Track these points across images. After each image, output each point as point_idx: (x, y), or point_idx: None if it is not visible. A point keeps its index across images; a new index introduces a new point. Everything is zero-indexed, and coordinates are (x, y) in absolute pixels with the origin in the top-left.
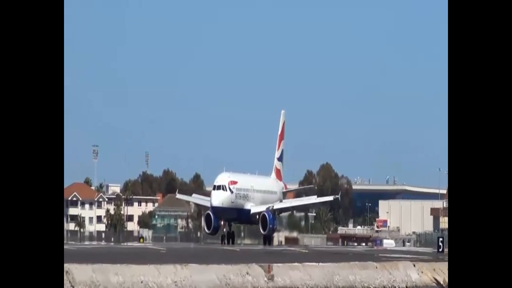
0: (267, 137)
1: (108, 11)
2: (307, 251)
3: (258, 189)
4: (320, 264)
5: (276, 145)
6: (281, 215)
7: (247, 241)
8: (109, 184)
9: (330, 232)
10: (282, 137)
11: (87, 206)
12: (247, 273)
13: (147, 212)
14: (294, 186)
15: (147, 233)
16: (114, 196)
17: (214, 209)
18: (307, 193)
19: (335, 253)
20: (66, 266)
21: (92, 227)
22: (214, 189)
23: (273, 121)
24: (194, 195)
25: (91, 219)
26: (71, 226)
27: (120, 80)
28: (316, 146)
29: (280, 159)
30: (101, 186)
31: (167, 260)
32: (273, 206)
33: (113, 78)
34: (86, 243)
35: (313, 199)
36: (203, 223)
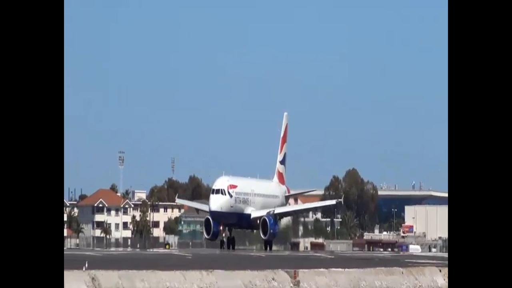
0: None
1: (109, 12)
2: (332, 256)
3: (259, 193)
4: (346, 269)
5: (279, 148)
6: (306, 220)
7: (248, 247)
8: (135, 191)
9: (356, 237)
10: (284, 140)
11: (113, 212)
12: (273, 279)
13: (173, 218)
14: (319, 192)
15: (172, 239)
16: (140, 203)
17: (213, 214)
18: (332, 197)
19: (361, 259)
20: (93, 272)
21: (118, 234)
22: (212, 193)
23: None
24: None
25: (117, 225)
26: (97, 232)
27: (140, 85)
28: (342, 151)
29: (282, 162)
30: (127, 193)
31: (193, 266)
32: (274, 211)
33: (129, 84)
34: (112, 249)
35: (315, 203)
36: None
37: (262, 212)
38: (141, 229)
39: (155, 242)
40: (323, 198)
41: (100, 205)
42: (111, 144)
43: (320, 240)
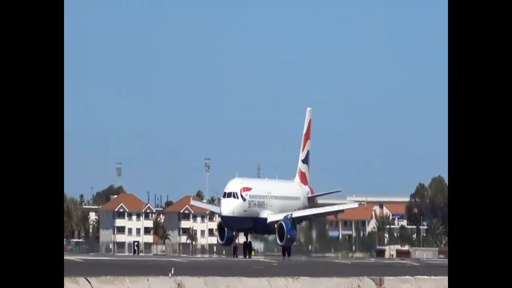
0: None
1: (107, 12)
2: (418, 264)
3: (277, 195)
4: (432, 277)
5: (301, 145)
6: (391, 227)
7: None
8: (221, 197)
9: (442, 245)
10: (307, 137)
11: (199, 219)
12: (358, 286)
13: None
14: (405, 199)
15: (258, 245)
16: None
17: (224, 218)
18: (417, 204)
19: (446, 266)
20: (179, 278)
21: (204, 240)
22: (224, 196)
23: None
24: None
25: (203, 232)
26: (183, 239)
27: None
28: (428, 158)
29: (305, 161)
30: (212, 199)
31: (278, 272)
32: (291, 214)
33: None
34: (198, 256)
35: (337, 207)
36: (216, 233)
37: (280, 216)
38: None
39: (241, 249)
40: (408, 205)
41: (186, 212)
42: (196, 151)
43: (406, 248)
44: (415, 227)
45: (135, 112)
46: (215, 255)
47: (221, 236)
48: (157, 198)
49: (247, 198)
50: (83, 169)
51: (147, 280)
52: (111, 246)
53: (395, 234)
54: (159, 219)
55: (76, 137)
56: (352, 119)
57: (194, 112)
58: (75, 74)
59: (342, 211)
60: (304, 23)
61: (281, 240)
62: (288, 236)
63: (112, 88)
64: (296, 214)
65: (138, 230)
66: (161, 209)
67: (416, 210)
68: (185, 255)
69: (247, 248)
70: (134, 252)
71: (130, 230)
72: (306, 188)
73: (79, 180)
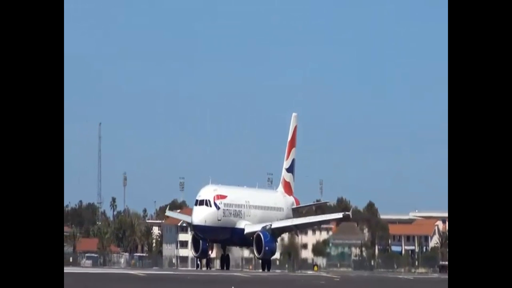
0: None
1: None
2: None
3: (256, 204)
4: None
5: (286, 153)
6: None
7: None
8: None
9: None
10: (292, 144)
11: None
12: None
13: (321, 240)
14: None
15: (321, 261)
16: None
17: (196, 228)
18: None
19: None
20: None
21: None
22: (196, 204)
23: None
24: None
25: None
26: (245, 253)
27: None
28: None
29: (290, 170)
30: None
31: (341, 287)
32: (271, 225)
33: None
34: (260, 270)
35: (320, 217)
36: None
37: (258, 227)
38: (289, 251)
39: (304, 264)
40: None
41: None
42: (259, 165)
43: None
44: None
45: (197, 127)
46: (278, 270)
47: (196, 247)
48: None
49: (221, 206)
50: (146, 184)
51: None
52: (174, 260)
53: None
54: None
55: (139, 153)
56: (417, 131)
57: (251, 125)
58: (132, 86)
59: (325, 221)
60: (290, 25)
61: (259, 252)
62: (267, 248)
63: (174, 103)
64: (276, 224)
65: None
66: None
67: None
68: (247, 269)
69: (225, 261)
70: (197, 267)
71: None
72: (291, 199)
73: (143, 195)
